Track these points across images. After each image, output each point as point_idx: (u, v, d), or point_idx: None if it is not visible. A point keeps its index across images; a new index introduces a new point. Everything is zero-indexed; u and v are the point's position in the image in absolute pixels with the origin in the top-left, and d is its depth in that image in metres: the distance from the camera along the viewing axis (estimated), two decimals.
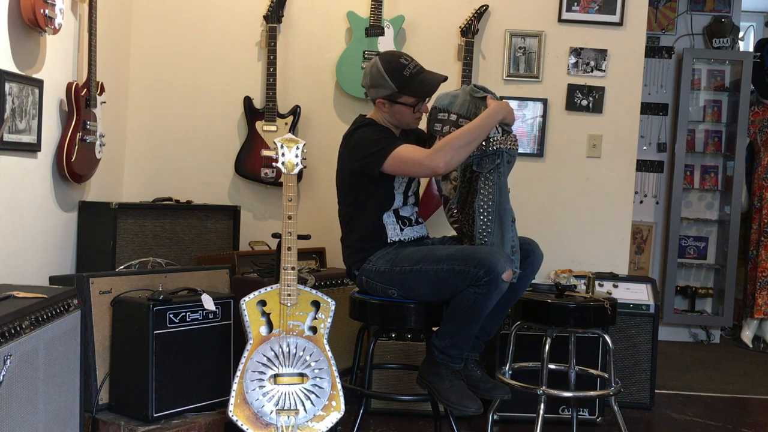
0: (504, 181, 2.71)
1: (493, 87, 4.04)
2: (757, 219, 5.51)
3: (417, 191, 2.98)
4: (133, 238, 3.48)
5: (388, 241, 2.84)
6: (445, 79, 2.82)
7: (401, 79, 2.75)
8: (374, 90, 2.81)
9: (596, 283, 3.75)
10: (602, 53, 4.10)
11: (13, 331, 2.02)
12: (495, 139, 2.69)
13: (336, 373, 2.70)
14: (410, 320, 2.77)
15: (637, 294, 3.78)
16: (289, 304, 2.68)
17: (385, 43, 3.98)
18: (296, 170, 2.77)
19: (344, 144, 2.85)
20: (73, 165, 3.21)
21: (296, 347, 2.68)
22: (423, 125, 3.03)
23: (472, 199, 2.75)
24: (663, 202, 5.64)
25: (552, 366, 3.14)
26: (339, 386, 2.69)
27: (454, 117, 2.84)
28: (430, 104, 2.91)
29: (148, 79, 4.11)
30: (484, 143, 2.69)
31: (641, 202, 5.62)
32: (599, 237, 4.14)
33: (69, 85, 3.20)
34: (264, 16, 4.03)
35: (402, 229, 2.86)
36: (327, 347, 2.71)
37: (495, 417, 3.34)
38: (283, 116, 4.01)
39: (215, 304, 2.95)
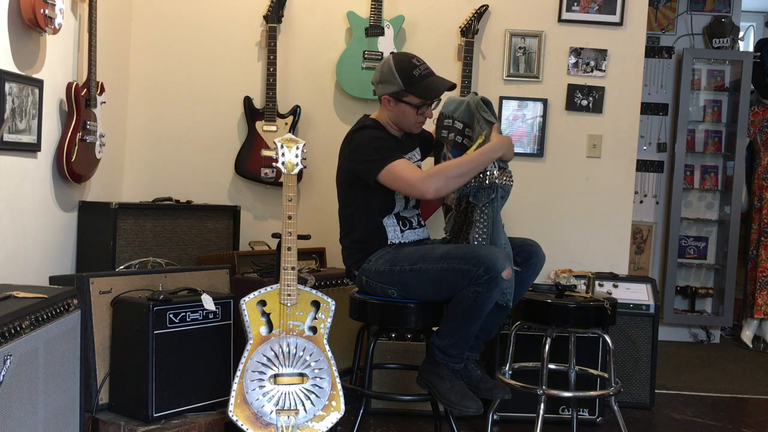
0: (497, 216, 2.72)
1: (493, 87, 4.08)
2: (757, 219, 5.51)
3: None
4: (133, 238, 3.48)
5: (389, 242, 2.84)
6: (453, 86, 2.83)
7: (410, 78, 2.77)
8: (382, 86, 2.82)
9: (596, 283, 3.75)
10: (602, 53, 4.10)
11: (13, 331, 2.02)
12: (491, 174, 2.70)
13: (336, 373, 2.70)
14: (410, 320, 2.77)
15: (637, 294, 3.77)
16: (289, 304, 2.68)
17: (385, 43, 3.98)
18: (296, 170, 2.77)
19: (346, 141, 2.85)
20: (73, 165, 3.21)
21: (296, 347, 2.68)
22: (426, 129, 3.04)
23: (467, 230, 2.77)
24: (663, 202, 5.64)
25: (552, 366, 3.14)
26: (339, 386, 2.69)
27: (459, 125, 2.86)
28: (436, 111, 2.92)
29: (148, 79, 4.11)
30: (480, 175, 2.70)
31: (641, 202, 5.62)
32: (599, 237, 4.14)
33: (69, 85, 3.20)
34: (264, 16, 4.03)
35: (402, 231, 2.86)
36: (327, 347, 2.71)
37: (495, 417, 3.34)
38: (283, 116, 4.01)
39: (215, 304, 2.95)
